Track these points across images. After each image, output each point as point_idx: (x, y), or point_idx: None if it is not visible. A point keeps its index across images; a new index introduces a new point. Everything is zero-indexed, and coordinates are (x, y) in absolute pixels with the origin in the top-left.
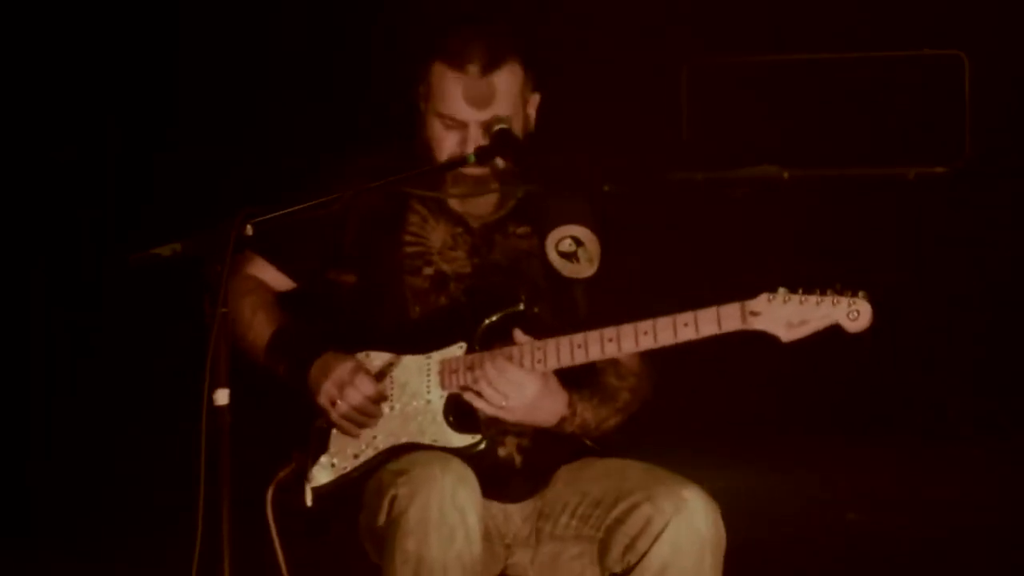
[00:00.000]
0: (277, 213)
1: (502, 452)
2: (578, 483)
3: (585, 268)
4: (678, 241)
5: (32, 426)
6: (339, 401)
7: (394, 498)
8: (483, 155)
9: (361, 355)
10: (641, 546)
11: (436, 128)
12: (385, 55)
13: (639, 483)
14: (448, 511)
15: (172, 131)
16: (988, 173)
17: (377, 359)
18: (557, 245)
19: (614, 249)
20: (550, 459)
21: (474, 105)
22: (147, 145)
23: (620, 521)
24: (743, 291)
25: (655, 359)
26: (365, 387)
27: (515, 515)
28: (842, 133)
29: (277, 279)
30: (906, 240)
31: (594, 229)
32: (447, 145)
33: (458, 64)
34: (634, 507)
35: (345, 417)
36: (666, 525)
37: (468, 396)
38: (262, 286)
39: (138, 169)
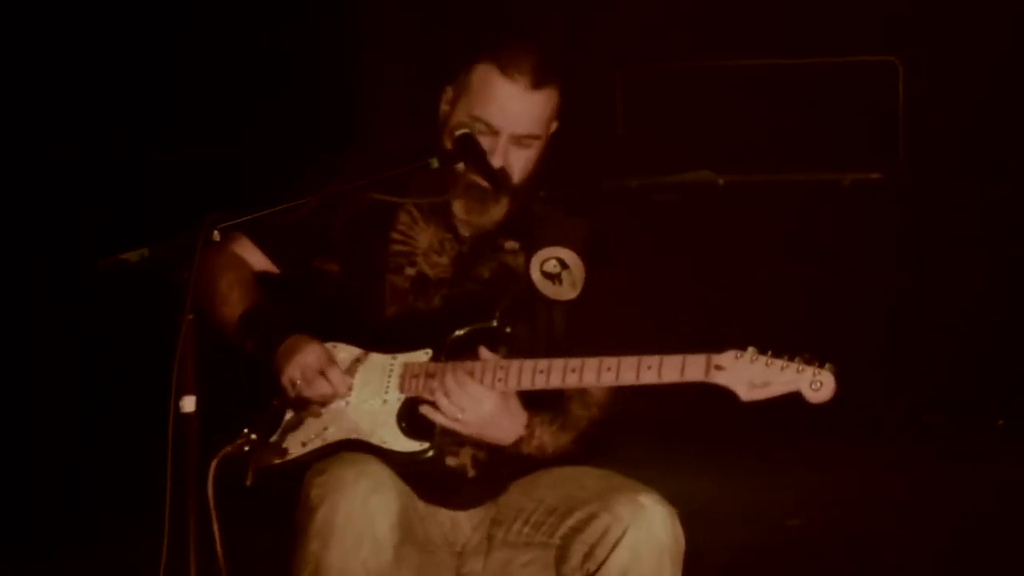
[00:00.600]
0: (244, 218)
1: (453, 462)
2: (533, 490)
3: (567, 291)
4: (663, 271)
5: (32, 429)
6: (300, 384)
7: (308, 496)
8: (445, 160)
9: (328, 345)
10: (600, 554)
11: (466, 128)
12: (382, 55)
13: (595, 491)
14: (356, 518)
15: (172, 131)
16: (923, 179)
17: (343, 351)
18: (542, 265)
19: (599, 276)
20: (505, 473)
21: (514, 116)
22: (147, 145)
23: (577, 529)
24: (716, 335)
25: (622, 392)
26: (337, 381)
27: (464, 523)
28: (777, 139)
29: (262, 262)
30: (840, 246)
31: (582, 253)
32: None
33: (509, 72)
34: (592, 516)
35: (301, 401)
36: (624, 532)
37: (423, 407)
38: (244, 264)
39: (138, 169)
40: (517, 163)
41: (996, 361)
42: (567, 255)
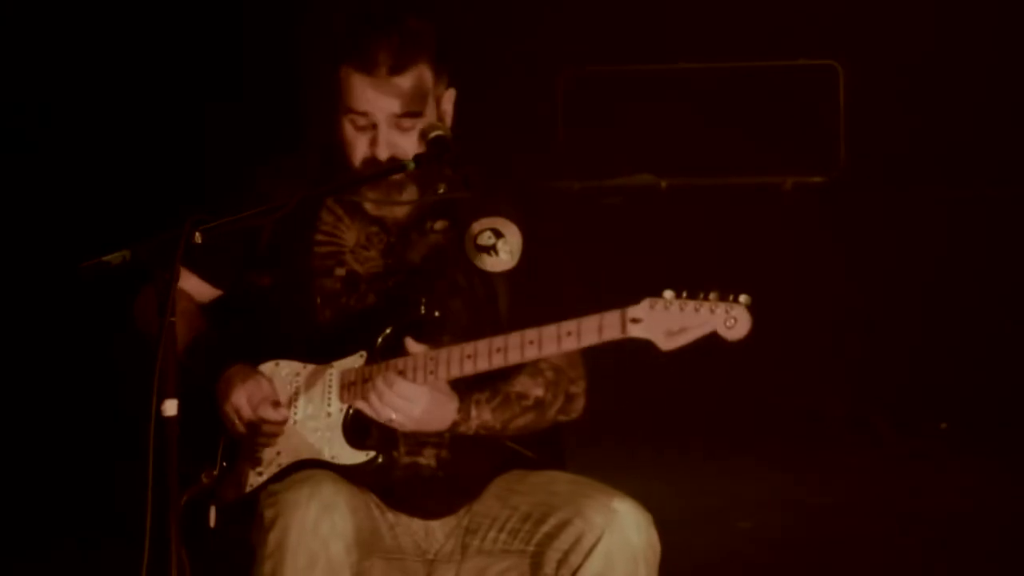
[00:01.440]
0: (226, 219)
1: (420, 462)
2: (508, 497)
3: (505, 261)
4: (602, 234)
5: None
6: (238, 422)
7: (261, 517)
8: (421, 161)
9: (271, 364)
10: (574, 560)
11: (348, 130)
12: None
13: (568, 497)
14: (307, 539)
15: None
16: (864, 183)
17: (285, 368)
18: (476, 238)
19: (536, 241)
20: (473, 470)
21: (383, 102)
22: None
23: (551, 536)
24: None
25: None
26: (268, 415)
27: (437, 531)
28: (719, 143)
29: (200, 288)
30: (782, 249)
31: (515, 219)
32: (359, 146)
33: (365, 68)
34: (565, 522)
35: (248, 435)
36: (598, 538)
37: (359, 405)
38: (183, 296)
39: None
40: (406, 144)
41: (939, 363)
42: (500, 223)
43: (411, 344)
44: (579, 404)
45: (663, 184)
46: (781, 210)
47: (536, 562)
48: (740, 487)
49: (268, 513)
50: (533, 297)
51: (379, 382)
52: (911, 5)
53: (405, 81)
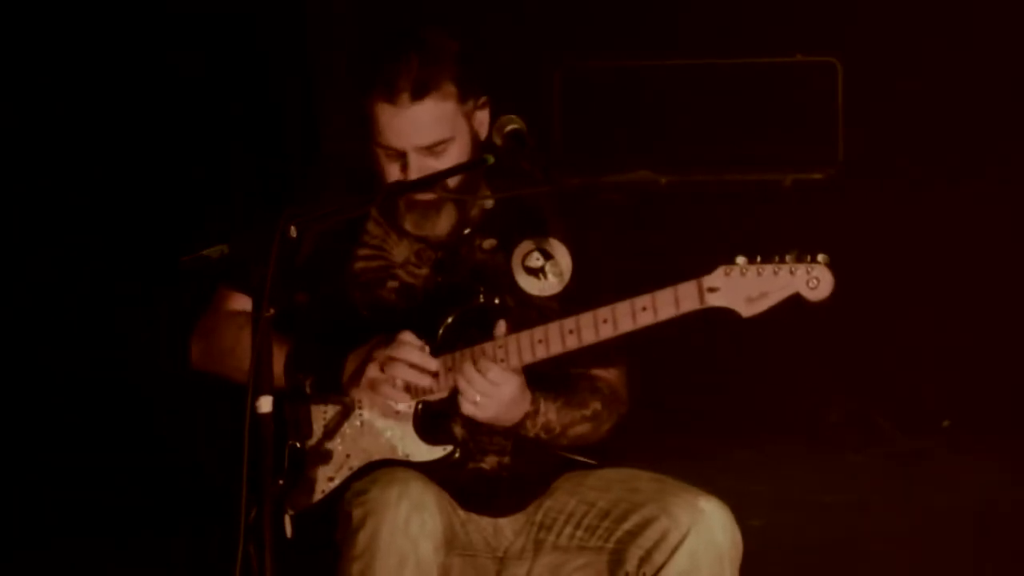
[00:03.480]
0: (322, 213)
1: (484, 467)
2: (581, 493)
3: (553, 284)
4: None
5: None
6: (385, 380)
7: (349, 518)
8: (500, 155)
9: None
10: (658, 558)
11: (381, 159)
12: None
13: (651, 494)
14: (399, 539)
15: None
16: (862, 180)
17: None
18: (524, 259)
19: (586, 261)
20: (537, 470)
21: (408, 133)
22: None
23: (634, 533)
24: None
25: (634, 375)
26: (419, 358)
27: (506, 528)
28: (718, 139)
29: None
30: (783, 246)
31: (565, 238)
32: (391, 172)
33: (387, 96)
34: (649, 519)
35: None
36: (684, 537)
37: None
38: (238, 315)
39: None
40: (440, 165)
41: (941, 361)
42: (549, 243)
43: (501, 327)
44: (615, 423)
45: (663, 181)
46: (781, 207)
47: (616, 559)
48: (747, 485)
49: (357, 513)
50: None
51: (468, 368)
52: (910, 1)
53: (429, 106)
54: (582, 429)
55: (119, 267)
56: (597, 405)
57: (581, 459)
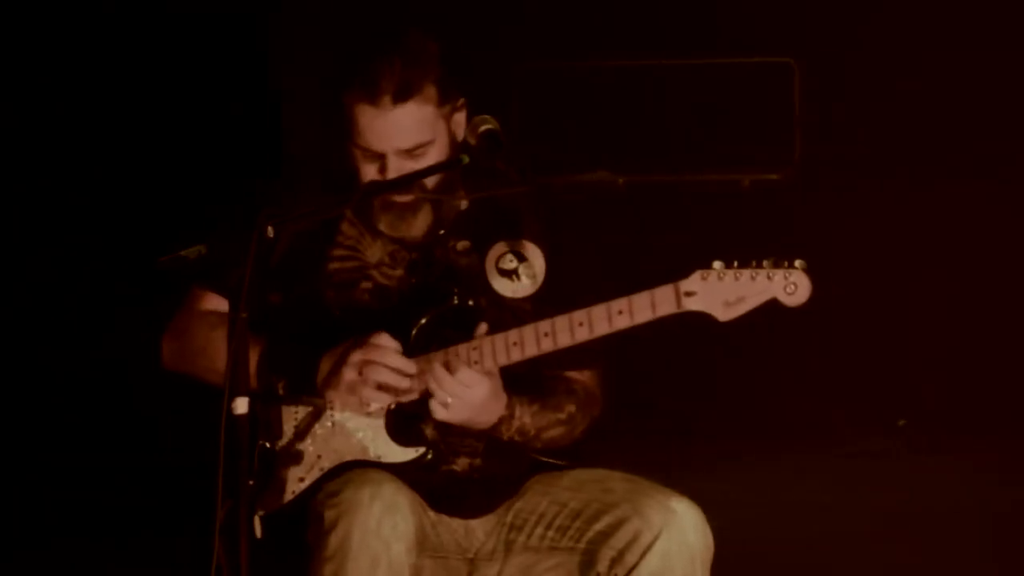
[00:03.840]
0: (299, 213)
1: (456, 469)
2: (552, 493)
3: (526, 286)
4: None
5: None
6: (361, 381)
7: (321, 519)
8: (475, 156)
9: None
10: (629, 559)
11: (358, 159)
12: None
13: (623, 494)
14: (371, 540)
15: None
16: (818, 180)
17: None
18: (498, 261)
19: (560, 262)
20: (508, 471)
21: (389, 136)
22: None
23: (606, 534)
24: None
25: (609, 377)
26: (380, 340)
27: (477, 529)
28: (676, 139)
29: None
30: (742, 246)
31: (538, 239)
32: (369, 172)
33: (368, 97)
34: (621, 520)
35: (376, 387)
36: (656, 538)
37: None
38: (213, 315)
39: None
40: (419, 167)
41: (898, 360)
42: (522, 245)
43: (481, 328)
44: (589, 427)
45: (620, 181)
46: (740, 207)
47: (588, 560)
48: (707, 486)
49: (329, 514)
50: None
51: (439, 369)
52: (865, 2)
53: (411, 109)
54: (557, 432)
55: (119, 267)
56: (572, 408)
57: (552, 461)
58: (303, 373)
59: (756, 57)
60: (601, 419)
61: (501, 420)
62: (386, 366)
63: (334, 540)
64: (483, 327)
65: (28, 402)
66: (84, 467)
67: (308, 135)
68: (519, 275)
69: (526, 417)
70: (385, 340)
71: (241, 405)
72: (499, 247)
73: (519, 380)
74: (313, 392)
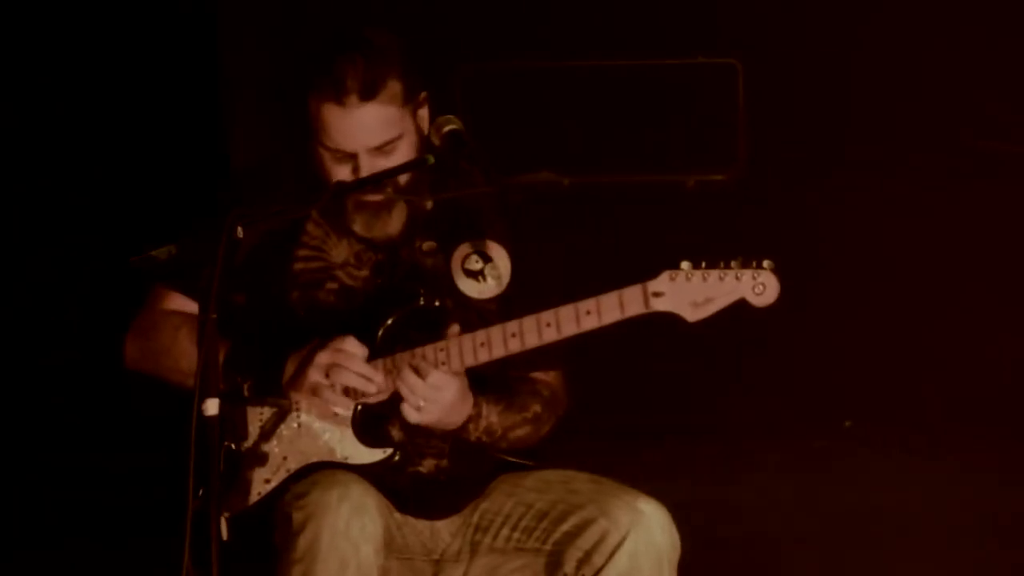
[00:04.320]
0: (268, 213)
1: (422, 471)
2: (518, 494)
3: (492, 287)
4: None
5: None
6: (327, 384)
7: (289, 520)
8: (440, 156)
9: None
10: (597, 560)
11: (327, 160)
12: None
13: (590, 495)
14: (339, 543)
15: None
16: (763, 180)
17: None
18: (464, 262)
19: (525, 263)
20: (474, 472)
21: (358, 135)
22: None
23: (572, 535)
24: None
25: (572, 375)
26: (345, 346)
27: (442, 531)
28: (620, 140)
29: (187, 306)
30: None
31: (504, 239)
32: (340, 173)
33: (334, 96)
34: (588, 521)
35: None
36: (623, 539)
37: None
38: (190, 318)
39: None
40: (390, 164)
41: (843, 361)
42: (488, 245)
43: (454, 328)
44: (553, 428)
45: (565, 182)
46: (685, 208)
47: (554, 561)
48: (651, 487)
49: (297, 516)
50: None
51: (408, 374)
52: (810, 2)
53: (378, 107)
54: (522, 432)
55: (119, 267)
56: (538, 408)
57: (519, 461)
58: (268, 374)
59: (701, 58)
60: (564, 419)
61: (469, 420)
62: (353, 371)
63: (303, 542)
64: (455, 328)
65: (28, 402)
66: (81, 467)
67: (252, 133)
68: (485, 276)
69: (493, 416)
70: (351, 345)
71: (212, 406)
72: (464, 248)
73: (485, 381)
74: (278, 393)
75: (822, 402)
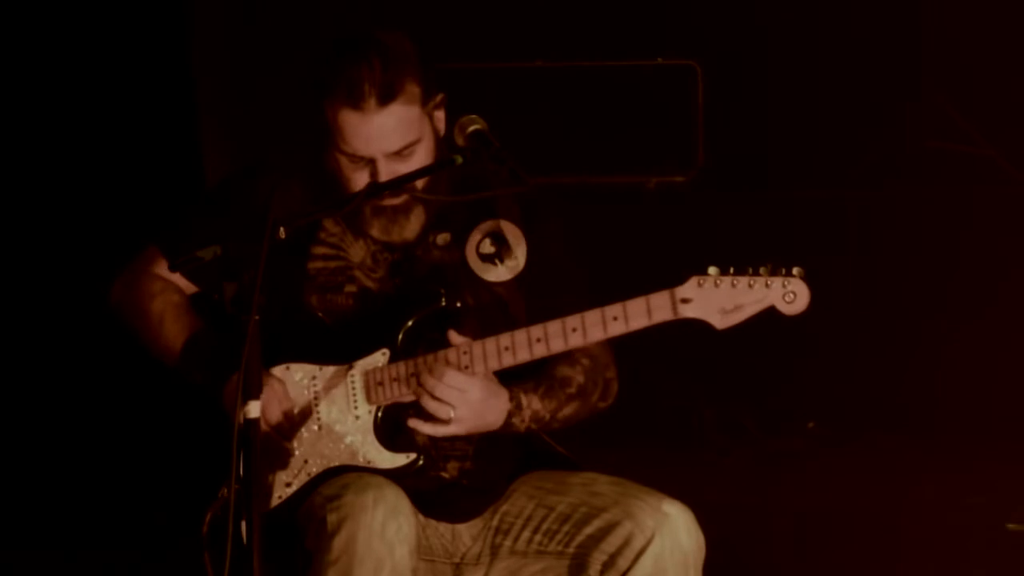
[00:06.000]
0: (308, 215)
1: (445, 476)
2: (539, 497)
3: (511, 267)
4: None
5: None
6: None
7: (323, 523)
8: (468, 157)
9: (281, 368)
10: (621, 563)
11: (345, 166)
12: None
13: (614, 498)
14: (375, 544)
15: None
16: (722, 183)
17: (299, 372)
18: (478, 247)
19: (540, 239)
20: (497, 475)
21: (376, 140)
22: None
23: (596, 538)
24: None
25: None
26: (274, 416)
27: (464, 534)
28: (580, 142)
29: (185, 282)
30: (649, 249)
31: (516, 219)
32: (359, 182)
33: (354, 103)
34: (612, 524)
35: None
36: (649, 542)
37: (412, 422)
38: (169, 287)
39: None
40: (408, 168)
41: (805, 362)
42: (500, 227)
43: (453, 336)
44: (614, 389)
45: (531, 183)
46: (646, 209)
47: (578, 564)
48: None
49: (332, 518)
50: (546, 299)
51: (427, 378)
52: (768, 5)
53: (396, 110)
54: (570, 410)
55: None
56: (580, 379)
57: (552, 444)
58: (213, 378)
59: (660, 60)
60: (616, 374)
61: (511, 414)
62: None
63: (338, 544)
64: (455, 336)
65: (26, 401)
66: (84, 467)
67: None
68: (501, 258)
69: (535, 404)
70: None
71: (253, 409)
72: (476, 234)
73: (516, 367)
74: (219, 396)
75: (786, 404)
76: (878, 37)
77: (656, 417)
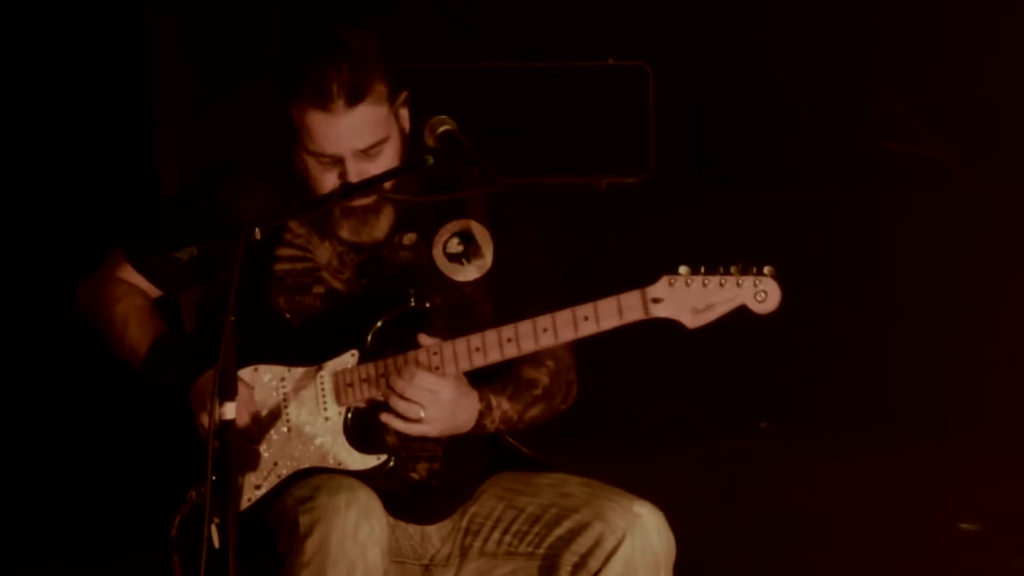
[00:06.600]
0: (284, 217)
1: (415, 477)
2: (509, 498)
3: (478, 266)
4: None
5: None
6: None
7: (295, 525)
8: (440, 157)
9: (249, 370)
10: (593, 565)
11: (313, 167)
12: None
13: (584, 499)
14: (348, 546)
15: None
16: (672, 184)
17: (267, 373)
18: (445, 246)
19: (507, 238)
20: (466, 476)
21: (345, 139)
22: None
23: (566, 540)
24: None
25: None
26: (242, 419)
27: (433, 535)
28: (531, 143)
29: (149, 286)
30: (601, 250)
31: (482, 217)
32: (327, 182)
33: (322, 104)
34: (583, 525)
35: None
36: (620, 543)
37: (384, 416)
38: (134, 291)
39: None
40: (376, 168)
41: (758, 363)
42: (467, 225)
43: (424, 338)
44: (574, 391)
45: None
46: (597, 210)
47: (549, 565)
48: None
49: (304, 520)
50: (515, 299)
51: (396, 380)
52: (719, 7)
53: (364, 111)
54: (537, 410)
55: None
56: (545, 380)
57: (519, 446)
58: (179, 381)
59: (611, 61)
60: (576, 376)
61: (481, 415)
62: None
63: (311, 545)
64: (426, 338)
65: (26, 401)
66: (84, 467)
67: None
68: (468, 258)
69: (504, 404)
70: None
71: (229, 411)
72: (443, 233)
73: (483, 369)
74: (186, 398)
75: (737, 405)
76: (831, 37)
77: (606, 415)
